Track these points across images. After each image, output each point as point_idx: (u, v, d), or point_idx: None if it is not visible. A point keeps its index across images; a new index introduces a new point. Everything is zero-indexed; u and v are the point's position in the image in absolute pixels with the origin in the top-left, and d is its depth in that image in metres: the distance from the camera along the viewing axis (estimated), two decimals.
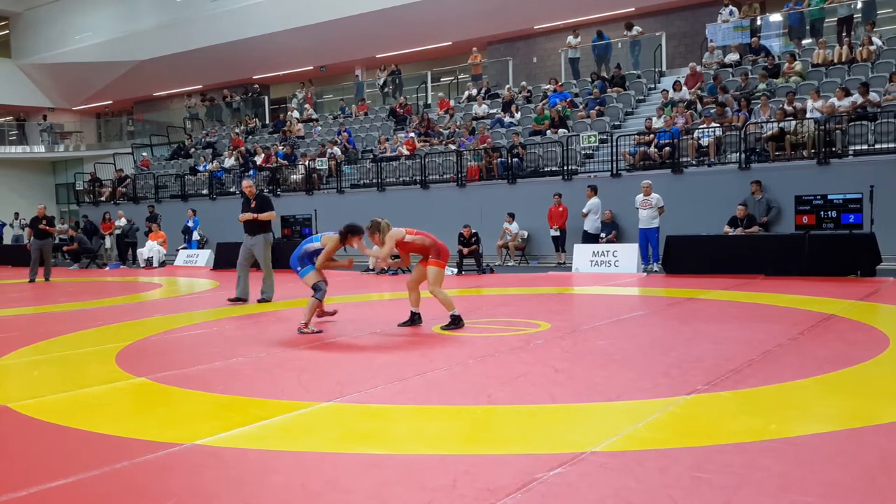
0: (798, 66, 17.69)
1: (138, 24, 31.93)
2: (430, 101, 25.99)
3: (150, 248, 20.80)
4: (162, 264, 20.59)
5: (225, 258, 19.01)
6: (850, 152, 14.84)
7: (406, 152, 20.98)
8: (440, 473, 3.50)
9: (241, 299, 10.98)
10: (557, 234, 16.40)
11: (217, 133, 29.91)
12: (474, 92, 24.12)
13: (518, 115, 21.34)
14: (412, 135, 21.92)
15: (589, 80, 21.88)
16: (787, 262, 12.18)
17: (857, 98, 15.10)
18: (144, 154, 30.67)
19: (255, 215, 10.84)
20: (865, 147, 14.71)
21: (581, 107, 20.23)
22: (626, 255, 14.40)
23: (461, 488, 3.29)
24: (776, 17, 20.60)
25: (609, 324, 7.94)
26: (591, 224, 15.72)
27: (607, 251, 14.70)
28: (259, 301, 10.89)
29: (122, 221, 23.14)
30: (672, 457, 3.67)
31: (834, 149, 14.85)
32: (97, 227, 23.64)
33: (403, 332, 7.73)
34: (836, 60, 17.59)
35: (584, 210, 15.72)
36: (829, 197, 12.14)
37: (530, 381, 5.38)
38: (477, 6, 24.85)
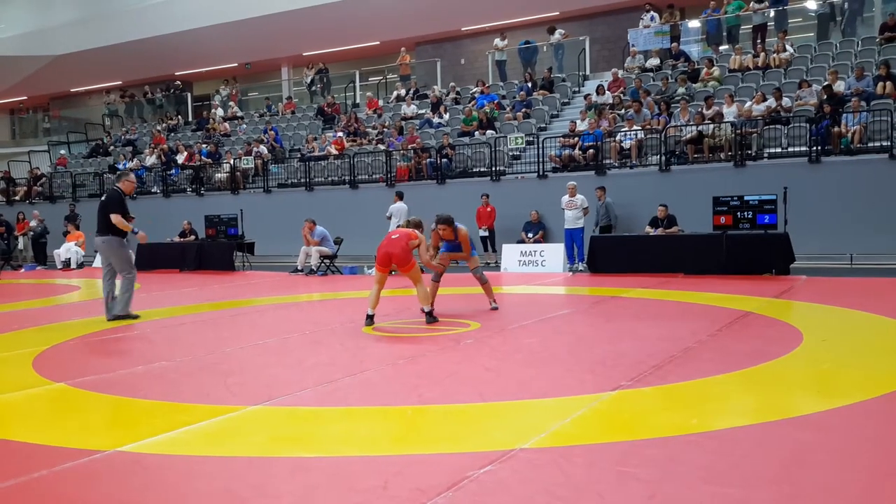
0: (716, 71, 18.28)
1: (54, 17, 30.75)
2: (358, 101, 25.85)
3: (68, 249, 20.08)
4: (80, 266, 19.91)
5: (146, 259, 18.49)
6: (765, 155, 15.42)
7: (335, 152, 20.82)
8: (371, 475, 3.50)
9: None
10: (486, 234, 16.55)
11: (137, 130, 29.08)
12: (403, 92, 24.11)
13: (447, 116, 21.42)
14: (340, 134, 21.76)
15: (516, 82, 22.13)
16: (706, 261, 12.56)
17: (771, 102, 15.71)
18: (62, 152, 29.58)
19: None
20: (779, 150, 15.31)
21: (508, 109, 20.44)
22: (553, 254, 14.65)
23: (392, 489, 3.30)
24: (695, 24, 21.24)
25: (536, 322, 8.05)
26: (395, 227, 16.08)
27: (534, 251, 14.92)
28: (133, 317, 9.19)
29: (34, 222, 22.30)
30: (598, 452, 3.76)
31: (750, 152, 15.41)
32: (12, 227, 22.71)
33: (333, 334, 7.67)
34: (751, 66, 18.24)
35: (387, 214, 16.09)
36: (746, 198, 12.58)
37: (460, 380, 5.42)
38: (404, 6, 24.84)
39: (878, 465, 3.52)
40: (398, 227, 9.87)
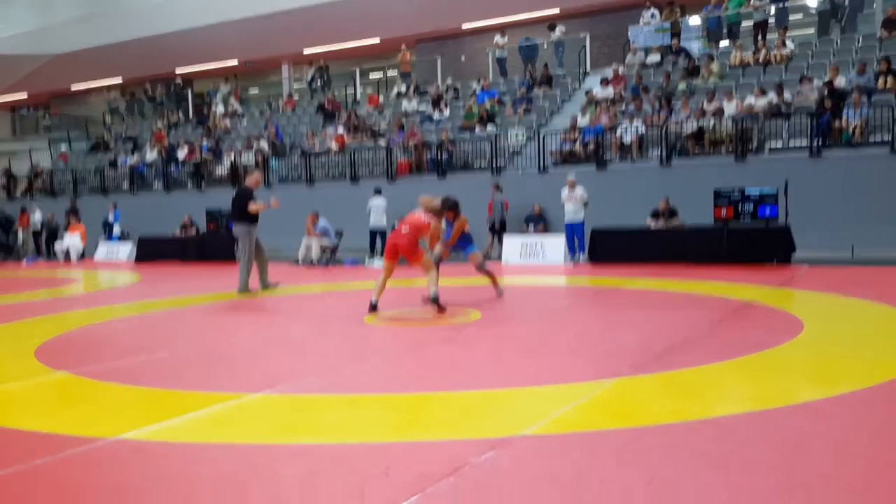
0: (716, 67, 18.27)
1: (55, 16, 30.69)
2: (359, 98, 25.84)
3: (70, 241, 20.12)
4: (80, 258, 19.92)
5: (147, 252, 18.52)
6: (766, 149, 15.42)
7: (335, 147, 20.82)
8: (372, 461, 3.51)
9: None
10: (498, 226, 16.56)
11: (138, 128, 29.08)
12: (403, 89, 24.09)
13: (447, 112, 21.41)
14: (341, 130, 21.76)
15: (516, 79, 22.10)
16: (707, 253, 12.58)
17: (772, 97, 15.71)
18: (64, 149, 29.59)
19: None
20: (780, 145, 15.31)
21: (508, 104, 20.44)
22: (553, 246, 14.69)
23: (394, 475, 3.31)
24: (695, 20, 21.21)
25: (538, 312, 8.08)
26: (375, 221, 16.86)
27: (535, 243, 14.97)
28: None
29: (38, 216, 22.35)
30: (599, 439, 3.77)
31: (750, 146, 15.41)
32: (13, 221, 22.78)
33: (336, 323, 7.69)
34: (751, 63, 18.23)
35: (368, 208, 16.86)
36: (747, 191, 12.59)
37: (462, 368, 5.44)
38: (405, 4, 24.80)
39: (878, 452, 3.52)
40: (400, 218, 9.90)
